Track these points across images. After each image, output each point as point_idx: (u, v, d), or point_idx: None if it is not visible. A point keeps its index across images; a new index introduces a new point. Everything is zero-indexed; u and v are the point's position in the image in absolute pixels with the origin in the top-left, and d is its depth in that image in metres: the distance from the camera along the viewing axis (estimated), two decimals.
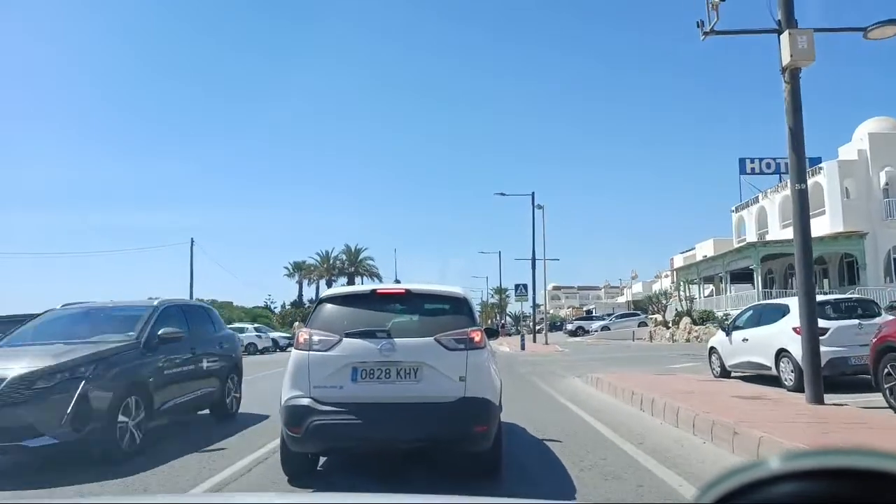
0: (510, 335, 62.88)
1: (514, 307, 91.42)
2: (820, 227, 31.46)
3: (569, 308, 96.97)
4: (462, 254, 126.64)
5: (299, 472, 5.29)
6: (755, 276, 30.44)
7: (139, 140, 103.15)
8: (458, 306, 5.40)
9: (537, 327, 42.06)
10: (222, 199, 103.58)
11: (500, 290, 74.45)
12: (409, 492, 4.47)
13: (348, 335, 5.04)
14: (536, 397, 11.01)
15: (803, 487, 0.65)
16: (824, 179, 31.58)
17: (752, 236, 38.08)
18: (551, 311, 66.88)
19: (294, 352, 5.23)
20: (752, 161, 40.50)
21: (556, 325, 58.42)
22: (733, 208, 41.56)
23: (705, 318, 32.12)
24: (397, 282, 6.87)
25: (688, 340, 31.80)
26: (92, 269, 79.40)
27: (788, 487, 0.65)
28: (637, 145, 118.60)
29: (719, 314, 31.77)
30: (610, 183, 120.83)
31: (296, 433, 4.89)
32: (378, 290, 5.54)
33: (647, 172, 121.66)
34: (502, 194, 37.67)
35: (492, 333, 6.47)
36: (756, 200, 38.61)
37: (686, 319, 32.97)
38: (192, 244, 42.55)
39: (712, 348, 12.72)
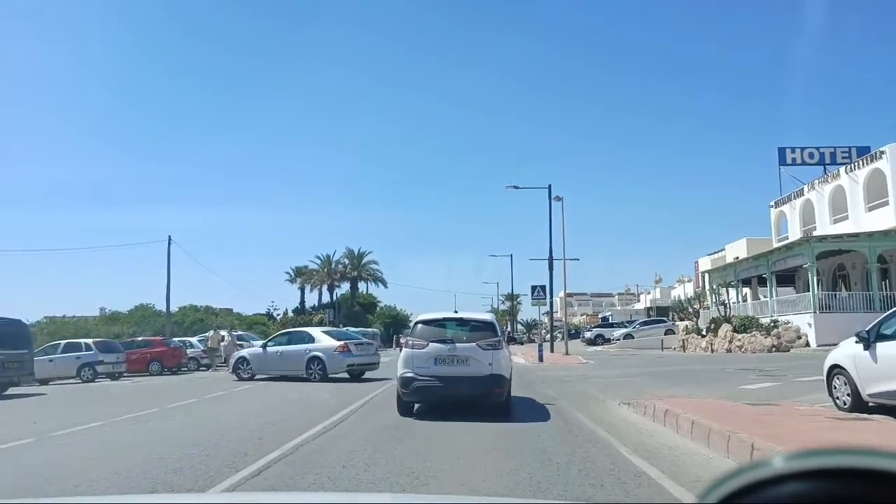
0: (521, 344, 58.77)
1: (525, 314, 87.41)
2: (883, 219, 27.29)
3: (582, 315, 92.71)
4: (472, 256, 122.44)
5: (406, 411, 9.52)
6: (810, 275, 26.24)
7: (136, 140, 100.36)
8: (488, 325, 10.06)
9: (554, 335, 37.97)
10: (223, 201, 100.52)
11: (512, 296, 70.26)
12: (463, 419, 8.74)
13: (432, 341, 9.54)
14: (584, 450, 6.98)
15: (806, 487, 0.64)
16: (887, 166, 27.38)
17: (795, 233, 33.91)
18: (564, 319, 62.23)
19: (403, 350, 9.88)
20: (793, 151, 36.37)
21: (571, 333, 54.16)
22: (772, 203, 37.37)
23: (748, 325, 27.93)
24: (455, 312, 10.86)
25: (729, 350, 27.68)
26: (83, 269, 76.08)
27: (792, 487, 0.65)
28: (647, 147, 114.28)
29: (764, 321, 27.63)
30: (618, 186, 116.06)
31: (405, 391, 9.41)
32: (447, 318, 10.23)
33: (660, 174, 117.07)
34: (515, 187, 33.79)
35: (510, 340, 13.19)
36: (800, 193, 34.42)
37: (726, 327, 28.81)
38: (169, 242, 38.77)
39: (836, 367, 8.64)
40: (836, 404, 8.62)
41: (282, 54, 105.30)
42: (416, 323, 10.15)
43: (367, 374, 18.29)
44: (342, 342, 18.03)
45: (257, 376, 18.29)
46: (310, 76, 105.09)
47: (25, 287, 74.03)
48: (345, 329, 29.89)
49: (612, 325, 51.20)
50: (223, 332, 26.21)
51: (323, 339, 18.20)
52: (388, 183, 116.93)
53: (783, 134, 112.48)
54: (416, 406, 9.66)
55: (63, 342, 22.26)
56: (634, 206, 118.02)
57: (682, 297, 44.98)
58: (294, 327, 28.20)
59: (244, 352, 19.73)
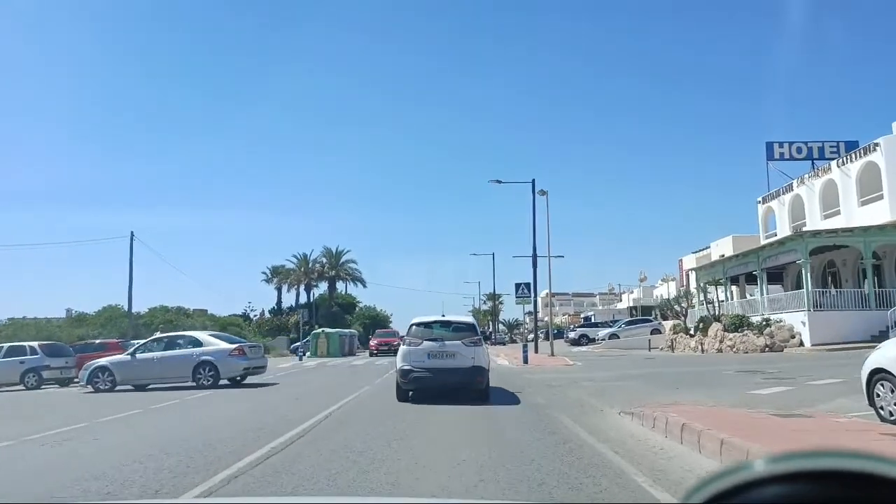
0: (503, 344, 57.44)
1: (507, 314, 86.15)
2: (878, 213, 26.36)
3: (564, 315, 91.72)
4: (453, 256, 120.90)
5: (403, 398, 11.45)
6: (804, 272, 25.22)
7: (116, 140, 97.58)
8: (470, 326, 12.33)
9: (537, 334, 36.68)
10: (202, 202, 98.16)
11: (494, 296, 68.94)
12: (449, 403, 10.61)
13: (426, 339, 11.59)
14: (592, 480, 5.61)
15: (789, 490, 0.65)
16: (881, 158, 26.45)
17: (784, 229, 32.97)
18: (545, 319, 60.97)
19: (402, 347, 11.91)
20: (781, 146, 35.47)
21: (553, 333, 52.94)
22: (760, 199, 36.41)
23: (739, 325, 26.85)
24: (443, 315, 12.92)
25: (720, 350, 26.62)
26: (53, 270, 73.31)
27: (774, 490, 0.66)
28: (631, 147, 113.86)
29: (755, 319, 26.58)
30: (601, 186, 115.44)
31: (404, 381, 11.41)
32: (437, 320, 12.26)
33: (644, 173, 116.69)
34: (498, 181, 32.47)
35: (485, 338, 14.23)
36: (789, 188, 33.48)
37: (716, 326, 27.74)
38: (131, 239, 36.85)
39: (879, 371, 7.36)
40: (879, 415, 7.35)
41: (265, 56, 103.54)
42: (412, 325, 12.18)
43: (252, 379, 17.30)
44: (237, 345, 17.20)
45: (119, 387, 16.63)
46: (289, 79, 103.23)
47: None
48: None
49: (596, 325, 50.10)
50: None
51: (214, 343, 17.04)
52: (368, 183, 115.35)
53: (767, 131, 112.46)
54: (411, 393, 11.55)
55: (6, 345, 20.38)
56: (617, 206, 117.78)
57: (667, 296, 44.03)
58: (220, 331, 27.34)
59: (104, 360, 17.69)
